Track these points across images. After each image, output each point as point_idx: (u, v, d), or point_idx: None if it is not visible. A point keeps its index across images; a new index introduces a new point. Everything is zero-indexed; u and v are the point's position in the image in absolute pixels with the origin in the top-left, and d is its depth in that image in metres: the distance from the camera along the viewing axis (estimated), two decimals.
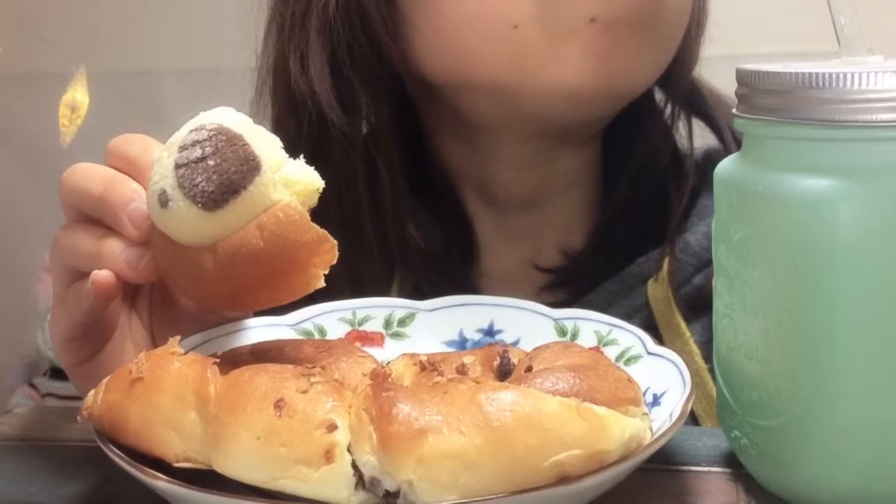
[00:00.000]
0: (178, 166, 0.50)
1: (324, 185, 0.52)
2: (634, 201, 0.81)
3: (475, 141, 0.79)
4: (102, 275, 0.54)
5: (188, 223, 0.50)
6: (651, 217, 0.80)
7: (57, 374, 2.08)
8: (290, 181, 0.51)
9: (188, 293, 0.55)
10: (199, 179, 0.49)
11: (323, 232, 0.50)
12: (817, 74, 0.45)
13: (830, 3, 0.48)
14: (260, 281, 0.51)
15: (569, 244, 0.81)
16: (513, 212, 0.82)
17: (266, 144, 0.51)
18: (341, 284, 0.64)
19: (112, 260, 0.55)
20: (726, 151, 0.80)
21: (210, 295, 0.52)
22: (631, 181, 0.80)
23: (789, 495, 0.49)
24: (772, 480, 0.49)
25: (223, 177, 0.49)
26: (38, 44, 1.89)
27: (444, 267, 0.79)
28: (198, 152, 0.49)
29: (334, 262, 0.51)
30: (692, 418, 0.73)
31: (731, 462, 0.52)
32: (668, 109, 0.82)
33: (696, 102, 0.82)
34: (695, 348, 0.74)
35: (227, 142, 0.50)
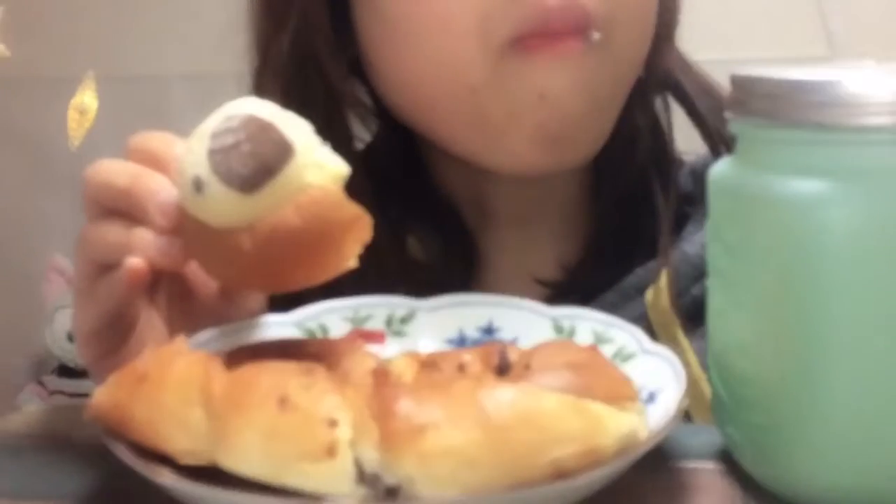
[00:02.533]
0: (212, 153, 0.51)
1: (350, 171, 0.53)
2: (625, 208, 0.80)
3: (466, 162, 0.79)
4: (134, 261, 0.55)
5: (224, 206, 0.51)
6: (647, 227, 0.79)
7: (64, 371, 2.09)
8: (322, 163, 0.52)
9: (224, 276, 0.55)
10: (235, 164, 0.50)
11: (359, 209, 0.51)
12: (810, 79, 0.45)
13: (822, 9, 0.49)
14: (297, 260, 0.52)
15: (566, 256, 0.81)
16: (510, 226, 0.82)
17: (297, 130, 0.52)
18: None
19: (143, 248, 0.55)
20: (713, 152, 0.80)
21: (247, 276, 0.53)
22: (614, 185, 0.80)
23: (783, 492, 0.49)
24: (766, 477, 0.50)
25: (258, 160, 0.50)
26: (48, 48, 1.89)
27: (444, 281, 0.79)
28: (231, 139, 0.50)
29: (368, 240, 0.52)
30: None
31: (726, 459, 0.52)
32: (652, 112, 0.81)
33: (685, 100, 0.81)
34: (693, 358, 0.73)
35: (260, 128, 0.51)
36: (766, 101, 0.47)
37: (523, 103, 0.69)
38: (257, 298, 0.63)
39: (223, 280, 0.57)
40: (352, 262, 0.52)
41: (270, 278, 0.53)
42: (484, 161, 0.74)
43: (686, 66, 0.82)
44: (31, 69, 1.92)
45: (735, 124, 0.49)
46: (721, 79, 0.51)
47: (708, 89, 0.81)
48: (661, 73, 0.79)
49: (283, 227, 0.50)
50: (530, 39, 0.67)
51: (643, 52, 0.75)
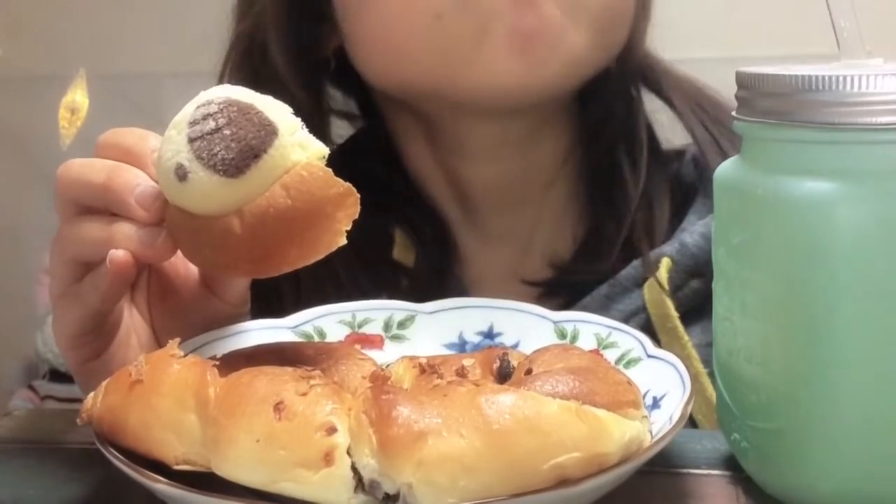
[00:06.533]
0: (192, 140, 0.50)
1: (328, 152, 0.52)
2: (616, 201, 0.80)
3: (439, 141, 0.79)
4: (119, 254, 0.54)
5: (210, 193, 0.50)
6: (643, 219, 0.79)
7: (56, 376, 2.08)
8: (304, 143, 0.51)
9: (213, 263, 0.55)
10: (218, 149, 0.50)
11: (348, 185, 0.51)
12: (817, 77, 0.45)
13: (830, 6, 0.48)
14: (289, 240, 0.51)
15: (555, 251, 0.81)
16: (493, 215, 0.81)
17: (277, 111, 0.51)
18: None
19: (126, 241, 0.54)
20: (687, 128, 0.80)
21: (238, 260, 0.53)
22: (609, 173, 0.80)
23: (788, 498, 0.49)
24: (771, 483, 0.49)
25: (242, 143, 0.50)
26: (38, 46, 1.89)
27: (424, 280, 0.78)
28: (211, 124, 0.50)
29: (356, 216, 0.51)
30: (691, 423, 0.72)
31: (731, 465, 0.52)
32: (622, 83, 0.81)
33: (648, 78, 0.81)
34: (693, 352, 0.73)
35: (240, 111, 0.50)
36: (772, 100, 0.46)
37: (494, 13, 0.68)
38: (240, 288, 0.62)
39: (213, 267, 0.57)
40: (342, 239, 0.51)
41: (262, 261, 0.52)
42: (458, 89, 0.72)
43: (660, 61, 0.82)
44: (22, 68, 1.92)
45: (741, 124, 0.48)
46: (727, 77, 0.50)
47: (679, 72, 0.82)
48: (638, 55, 0.79)
49: (273, 207, 0.50)
50: None
51: (629, 9, 0.74)
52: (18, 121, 1.97)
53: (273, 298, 0.71)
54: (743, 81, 0.48)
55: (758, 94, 0.47)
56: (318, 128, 0.79)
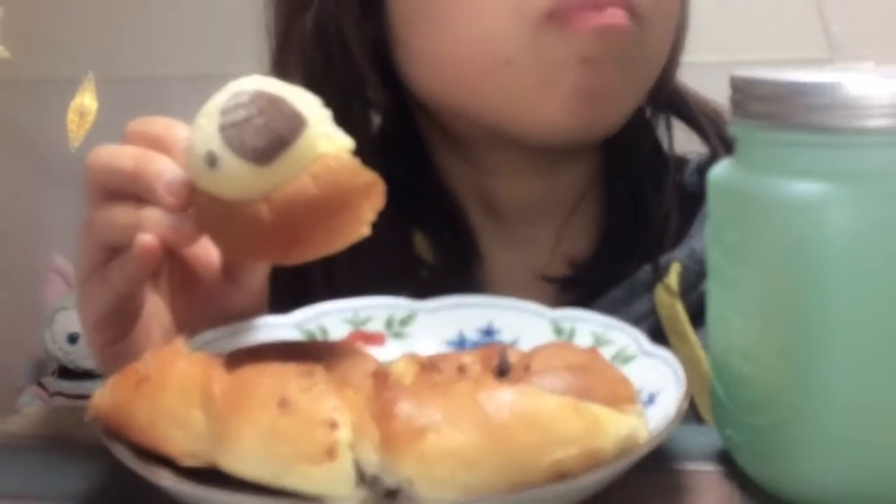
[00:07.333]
0: (223, 128, 0.51)
1: (354, 145, 0.53)
2: (634, 205, 0.81)
3: (471, 158, 0.80)
4: (147, 238, 0.55)
5: (240, 179, 0.51)
6: (655, 223, 0.80)
7: (65, 373, 2.10)
8: (331, 135, 0.53)
9: (241, 249, 0.56)
10: (248, 137, 0.51)
11: (375, 175, 0.52)
12: (809, 81, 0.45)
13: (822, 11, 0.49)
14: (315, 227, 0.52)
15: (575, 254, 0.82)
16: (515, 223, 0.82)
17: (307, 103, 0.53)
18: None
19: (154, 226, 0.55)
20: (712, 153, 0.82)
21: (266, 247, 0.54)
22: (632, 189, 0.81)
23: (782, 493, 0.49)
24: (765, 478, 0.50)
25: (272, 133, 0.51)
26: (48, 50, 1.90)
27: (446, 278, 0.79)
28: (242, 114, 0.51)
29: (381, 207, 0.53)
30: (700, 424, 0.73)
31: (726, 460, 0.52)
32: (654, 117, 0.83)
33: (679, 107, 0.83)
34: (702, 354, 0.74)
35: (270, 102, 0.51)
36: (765, 104, 0.47)
37: (561, 69, 0.69)
38: (259, 277, 0.63)
39: (238, 253, 0.58)
40: (366, 230, 0.53)
41: (288, 248, 0.54)
42: (514, 130, 0.74)
43: (686, 88, 0.84)
44: (32, 71, 1.92)
45: (735, 126, 0.49)
46: (721, 81, 0.51)
47: (702, 100, 0.83)
48: (669, 86, 0.81)
49: (300, 195, 0.51)
50: (573, 12, 0.68)
51: (666, 52, 0.77)
52: (28, 123, 1.98)
53: (298, 288, 0.71)
54: (737, 85, 0.49)
55: (751, 97, 0.48)
56: (364, 115, 0.80)
